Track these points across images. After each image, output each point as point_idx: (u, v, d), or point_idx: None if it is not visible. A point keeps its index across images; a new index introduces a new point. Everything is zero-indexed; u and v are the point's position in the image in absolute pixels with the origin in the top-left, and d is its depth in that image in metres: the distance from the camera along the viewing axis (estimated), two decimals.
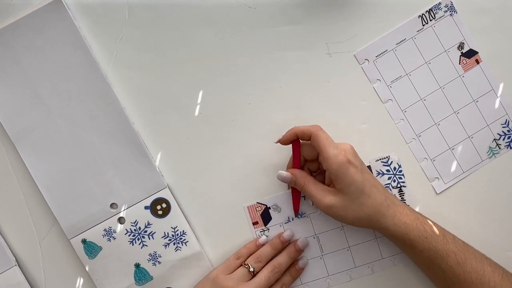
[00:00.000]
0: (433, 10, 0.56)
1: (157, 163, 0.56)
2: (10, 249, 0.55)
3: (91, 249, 0.55)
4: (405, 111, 0.56)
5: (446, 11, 0.56)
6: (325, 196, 0.50)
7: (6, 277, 0.54)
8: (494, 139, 0.57)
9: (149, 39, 0.55)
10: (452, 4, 0.55)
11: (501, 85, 0.56)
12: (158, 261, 0.56)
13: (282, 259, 0.55)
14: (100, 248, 0.55)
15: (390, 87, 0.56)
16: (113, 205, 0.55)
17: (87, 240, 0.55)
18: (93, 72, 0.54)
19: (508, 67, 0.56)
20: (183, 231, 0.56)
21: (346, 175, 0.48)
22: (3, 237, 0.55)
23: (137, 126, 0.55)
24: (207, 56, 0.55)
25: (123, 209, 0.55)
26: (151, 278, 0.56)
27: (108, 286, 0.56)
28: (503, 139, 0.57)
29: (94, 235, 0.55)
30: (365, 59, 0.56)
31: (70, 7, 0.53)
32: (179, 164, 0.56)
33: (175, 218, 0.56)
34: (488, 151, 0.57)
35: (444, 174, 0.57)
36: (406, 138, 0.56)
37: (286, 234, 0.55)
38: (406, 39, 0.56)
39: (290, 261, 0.55)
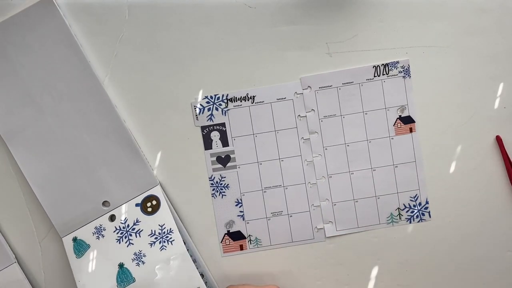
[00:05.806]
0: (389, 65, 0.55)
1: (156, 162, 0.56)
2: (10, 247, 0.55)
3: (79, 247, 0.55)
4: (326, 149, 0.56)
5: (401, 71, 0.55)
6: None
7: (6, 274, 0.55)
8: (398, 208, 0.57)
9: (149, 39, 0.55)
10: (408, 67, 0.55)
11: (501, 85, 0.56)
12: (142, 261, 0.55)
13: None
14: (88, 246, 0.55)
15: (321, 121, 0.56)
16: (105, 203, 0.55)
17: (78, 238, 0.55)
18: (84, 70, 0.54)
19: (508, 67, 0.56)
20: (170, 229, 0.55)
21: None
22: (3, 235, 0.55)
23: (137, 126, 0.56)
24: (207, 56, 0.55)
25: (115, 207, 0.55)
26: (133, 280, 0.54)
27: None
28: (406, 211, 0.57)
29: (85, 233, 0.55)
30: (308, 86, 0.56)
31: (69, 7, 0.54)
32: (179, 164, 0.56)
33: (163, 216, 0.55)
34: (389, 217, 0.57)
35: (339, 221, 0.57)
36: (317, 175, 0.56)
37: None
38: (354, 83, 0.56)
39: None
